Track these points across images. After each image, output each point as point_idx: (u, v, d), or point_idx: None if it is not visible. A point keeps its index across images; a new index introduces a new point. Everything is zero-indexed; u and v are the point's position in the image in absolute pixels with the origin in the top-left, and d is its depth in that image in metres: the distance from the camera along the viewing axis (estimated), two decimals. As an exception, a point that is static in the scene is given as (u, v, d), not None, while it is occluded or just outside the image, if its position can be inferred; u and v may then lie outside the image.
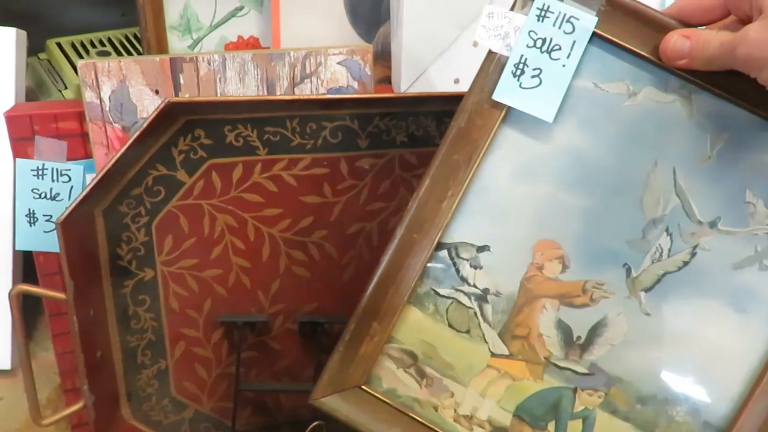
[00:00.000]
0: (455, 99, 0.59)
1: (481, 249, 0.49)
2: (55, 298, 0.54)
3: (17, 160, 0.57)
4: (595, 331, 0.49)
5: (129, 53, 0.81)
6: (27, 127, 0.56)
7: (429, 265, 0.49)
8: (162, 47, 0.63)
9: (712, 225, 0.47)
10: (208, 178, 0.56)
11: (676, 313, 0.48)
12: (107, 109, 0.56)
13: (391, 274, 0.49)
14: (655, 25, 0.43)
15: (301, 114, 0.57)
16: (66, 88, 0.75)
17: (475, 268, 0.49)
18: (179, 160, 0.55)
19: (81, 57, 0.80)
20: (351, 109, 0.57)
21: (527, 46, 0.44)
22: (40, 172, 0.57)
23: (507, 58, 0.44)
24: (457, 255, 0.49)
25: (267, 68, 0.59)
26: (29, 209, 0.58)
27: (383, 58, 0.66)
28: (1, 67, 0.67)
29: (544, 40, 0.44)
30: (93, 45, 0.83)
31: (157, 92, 0.57)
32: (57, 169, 0.58)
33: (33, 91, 0.80)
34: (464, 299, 0.49)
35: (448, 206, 0.47)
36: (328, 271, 0.61)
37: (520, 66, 0.44)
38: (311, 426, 0.60)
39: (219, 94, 0.59)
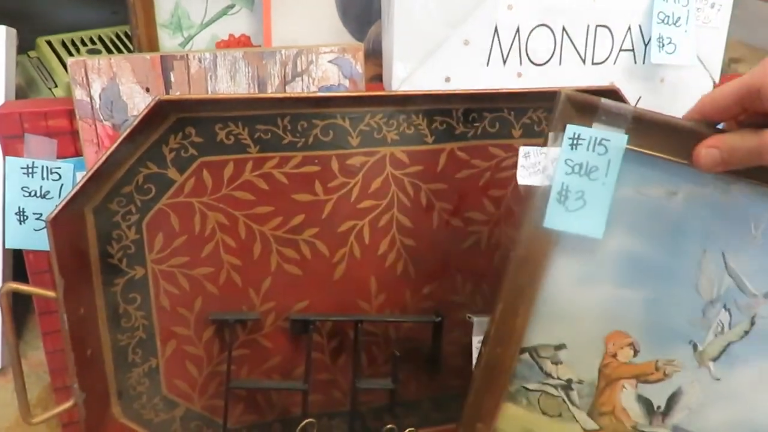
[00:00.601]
0: (446, 98, 0.60)
1: (558, 347, 0.54)
2: (45, 296, 0.54)
3: (7, 158, 0.57)
4: (673, 400, 0.54)
5: (120, 51, 0.81)
6: (17, 124, 0.56)
7: (515, 367, 0.54)
8: (153, 45, 0.63)
9: (766, 295, 0.51)
10: (198, 176, 0.56)
11: (744, 375, 0.53)
12: (97, 106, 0.56)
13: (483, 384, 0.54)
14: (682, 133, 0.47)
15: (292, 112, 0.57)
16: (56, 86, 0.75)
17: (556, 363, 0.54)
18: (170, 158, 0.55)
19: (71, 55, 0.79)
20: (342, 107, 0.58)
21: (566, 173, 0.47)
22: (30, 171, 0.57)
23: (550, 187, 0.48)
24: (538, 355, 0.54)
25: (258, 66, 0.59)
26: (19, 207, 0.58)
27: (374, 56, 0.66)
28: (-10, 65, 0.67)
29: (581, 165, 0.47)
30: (83, 43, 0.83)
31: (147, 90, 0.57)
32: (47, 167, 0.57)
33: (23, 89, 0.79)
34: (551, 390, 0.55)
35: (523, 320, 0.53)
36: (320, 269, 0.61)
37: (563, 193, 0.48)
38: (302, 423, 0.61)
39: (210, 93, 0.59)
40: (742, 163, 0.45)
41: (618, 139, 0.47)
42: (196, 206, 0.57)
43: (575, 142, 0.47)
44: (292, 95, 0.58)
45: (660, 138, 0.47)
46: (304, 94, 0.59)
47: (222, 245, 0.59)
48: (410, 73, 0.60)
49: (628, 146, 0.47)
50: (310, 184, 0.59)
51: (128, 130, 0.50)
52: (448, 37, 0.61)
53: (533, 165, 0.49)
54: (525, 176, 0.49)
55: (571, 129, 0.47)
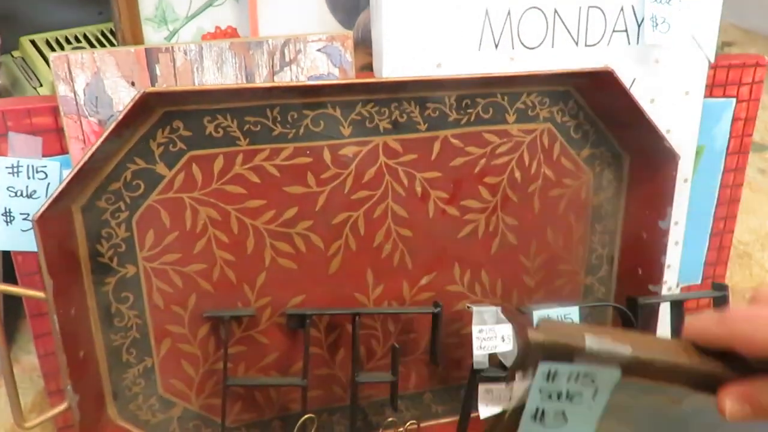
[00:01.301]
0: (438, 84, 0.59)
1: None
2: (34, 297, 0.53)
3: (-9, 158, 0.55)
4: None
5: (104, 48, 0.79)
6: (0, 123, 0.55)
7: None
8: (137, 39, 0.61)
9: None
10: (188, 170, 0.55)
11: None
12: (82, 102, 0.55)
13: None
14: (683, 371, 0.38)
15: (281, 102, 0.56)
16: (41, 85, 0.74)
17: None
18: (158, 152, 0.54)
19: (55, 53, 0.78)
20: (332, 97, 0.56)
21: (541, 400, 0.39)
22: (15, 170, 0.56)
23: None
24: None
25: (245, 57, 0.58)
26: (5, 208, 0.57)
27: (364, 44, 0.65)
28: (-28, 64, 0.65)
29: (560, 394, 0.38)
30: (68, 41, 0.81)
31: (133, 84, 0.56)
32: (32, 166, 0.56)
33: (7, 90, 0.78)
34: None
35: None
36: (315, 262, 0.60)
37: (539, 414, 0.39)
38: (302, 419, 0.59)
39: (197, 85, 0.57)
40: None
41: (608, 374, 0.37)
42: (186, 201, 0.56)
43: (551, 377, 0.37)
44: (281, 84, 0.57)
45: (663, 373, 0.39)
46: (293, 83, 0.58)
47: (214, 241, 0.57)
48: (401, 60, 0.59)
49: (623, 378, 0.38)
50: (302, 176, 0.58)
51: (113, 125, 0.49)
52: (438, 23, 0.60)
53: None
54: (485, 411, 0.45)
55: (546, 366, 0.37)
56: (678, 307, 0.64)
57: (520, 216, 0.65)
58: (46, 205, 0.48)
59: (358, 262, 0.61)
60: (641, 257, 0.67)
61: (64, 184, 0.49)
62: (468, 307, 0.61)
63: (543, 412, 0.40)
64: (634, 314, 0.63)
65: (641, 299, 0.63)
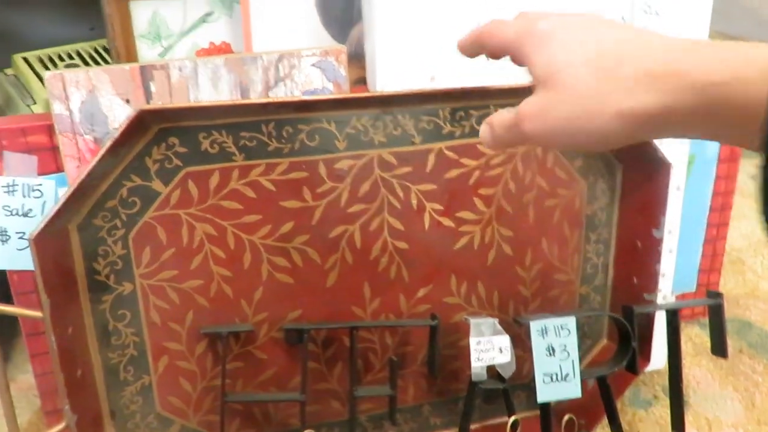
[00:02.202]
0: (432, 96, 0.59)
1: None
2: (31, 317, 0.53)
3: (-14, 177, 0.55)
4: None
5: (99, 66, 0.79)
6: (-5, 142, 0.55)
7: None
8: (131, 56, 0.62)
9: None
10: (184, 186, 0.55)
11: None
12: (77, 120, 0.55)
13: None
14: None
15: (276, 118, 0.56)
16: (35, 103, 0.74)
17: None
18: (154, 169, 0.54)
19: (49, 71, 0.78)
20: (327, 111, 0.57)
21: None
22: (11, 189, 0.56)
23: None
24: None
25: (240, 73, 0.58)
26: (1, 227, 0.57)
27: (357, 59, 0.65)
28: (-35, 83, 0.65)
29: None
30: (61, 58, 0.81)
31: (128, 101, 0.56)
32: (28, 185, 0.56)
33: (0, 108, 0.78)
34: None
35: None
36: (312, 276, 0.60)
37: None
38: (301, 435, 0.59)
39: (192, 101, 0.58)
40: (510, 145, 0.41)
41: None
42: (182, 218, 0.56)
43: None
44: (275, 100, 0.57)
45: None
46: (287, 99, 0.58)
47: (211, 257, 0.57)
48: (394, 73, 0.60)
49: None
50: (298, 191, 0.58)
51: (110, 143, 0.49)
52: (431, 36, 0.60)
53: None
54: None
55: None
56: (673, 316, 0.65)
57: (515, 227, 0.65)
58: (42, 225, 0.48)
59: (354, 275, 0.61)
60: (636, 266, 0.67)
61: (60, 203, 0.49)
62: (465, 319, 0.61)
63: None
64: (630, 323, 0.63)
65: (637, 308, 0.63)
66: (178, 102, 0.57)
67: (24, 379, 0.76)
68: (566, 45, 0.37)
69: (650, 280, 0.66)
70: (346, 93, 0.60)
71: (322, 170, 0.58)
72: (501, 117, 0.40)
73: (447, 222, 0.63)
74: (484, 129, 0.42)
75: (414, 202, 0.61)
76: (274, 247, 0.59)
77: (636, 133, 0.36)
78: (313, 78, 0.60)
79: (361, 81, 0.66)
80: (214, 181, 0.56)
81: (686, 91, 0.34)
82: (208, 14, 0.65)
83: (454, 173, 0.62)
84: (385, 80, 0.60)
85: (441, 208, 0.62)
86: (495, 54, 0.41)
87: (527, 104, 0.38)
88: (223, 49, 0.66)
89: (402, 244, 0.62)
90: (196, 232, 0.56)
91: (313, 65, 0.60)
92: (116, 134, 0.49)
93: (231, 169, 0.56)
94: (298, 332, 0.60)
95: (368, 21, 0.59)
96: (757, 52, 0.32)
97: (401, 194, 0.61)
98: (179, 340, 0.59)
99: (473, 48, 0.43)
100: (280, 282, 0.60)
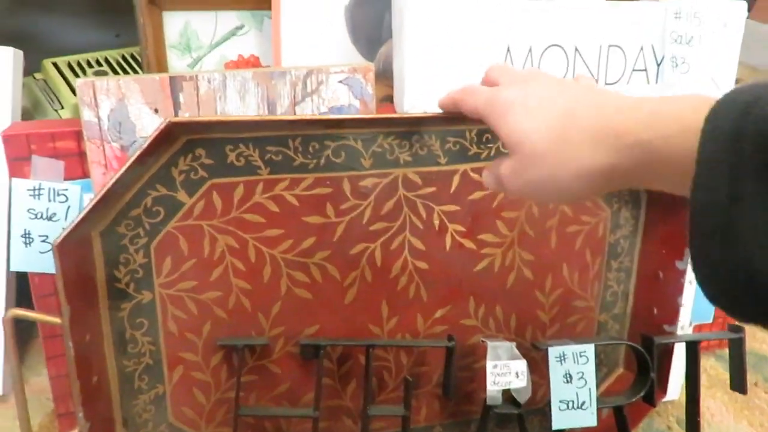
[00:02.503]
0: (459, 118, 0.59)
1: None
2: (50, 323, 0.53)
3: (13, 180, 0.56)
4: None
5: (126, 73, 0.80)
6: (24, 146, 0.55)
7: None
8: (162, 66, 0.62)
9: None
10: (208, 198, 0.55)
11: None
12: (105, 128, 0.55)
13: None
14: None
15: (303, 133, 0.56)
16: (62, 108, 0.74)
17: None
18: (179, 180, 0.54)
19: (77, 77, 0.79)
20: (354, 129, 0.57)
21: None
22: (37, 192, 0.56)
23: None
24: None
25: (268, 87, 0.59)
26: (25, 230, 0.57)
27: (385, 76, 0.66)
28: (-3, 86, 0.66)
29: None
30: (90, 65, 0.82)
31: (156, 111, 0.56)
32: (54, 189, 0.56)
33: (28, 111, 0.79)
34: None
35: None
36: (331, 292, 0.60)
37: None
38: (313, 452, 0.59)
39: (219, 113, 0.58)
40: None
41: None
42: (205, 229, 0.56)
43: None
44: (304, 118, 0.57)
45: None
46: (316, 117, 0.58)
47: (231, 269, 0.57)
48: (422, 93, 0.60)
49: None
50: (321, 206, 0.58)
51: (138, 153, 0.49)
52: (460, 58, 0.60)
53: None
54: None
55: None
56: (693, 348, 0.64)
57: (537, 251, 0.65)
58: (67, 231, 0.48)
59: (373, 293, 0.61)
60: (657, 296, 0.67)
61: (86, 210, 0.49)
62: (482, 341, 0.60)
63: None
64: (649, 353, 0.62)
65: (657, 339, 0.62)
66: (206, 114, 0.57)
67: (37, 382, 0.76)
68: (528, 113, 0.40)
69: (671, 312, 0.65)
70: (372, 112, 0.60)
71: (347, 187, 0.58)
72: (492, 171, 0.45)
73: (468, 244, 0.62)
74: (485, 175, 0.47)
75: (436, 222, 0.61)
76: (295, 261, 0.59)
77: (596, 188, 0.39)
78: (339, 94, 0.60)
79: (387, 99, 0.67)
80: (239, 193, 0.56)
81: (624, 150, 0.36)
82: (239, 27, 0.65)
83: (477, 195, 0.62)
84: (413, 99, 0.60)
85: (463, 229, 0.62)
86: (470, 116, 0.46)
87: (504, 167, 0.43)
88: (252, 62, 0.66)
89: (422, 264, 0.62)
90: (217, 244, 0.56)
91: (341, 82, 0.60)
92: (145, 144, 0.49)
93: (256, 182, 0.56)
94: (315, 348, 0.59)
95: (398, 41, 0.59)
96: (685, 105, 0.34)
97: (424, 214, 0.61)
98: (195, 350, 0.59)
99: (452, 109, 0.48)
100: (298, 297, 0.59)
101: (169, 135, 0.51)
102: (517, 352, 0.59)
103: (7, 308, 0.71)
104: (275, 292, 0.59)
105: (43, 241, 0.58)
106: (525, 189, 0.42)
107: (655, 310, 0.67)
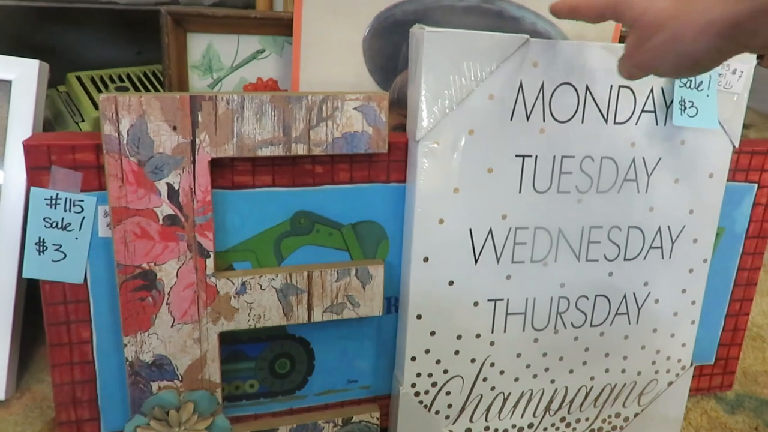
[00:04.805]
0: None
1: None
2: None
3: (32, 188, 0.57)
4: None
5: (146, 90, 0.82)
6: (44, 156, 0.57)
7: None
8: (183, 85, 0.64)
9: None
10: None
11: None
12: (124, 142, 0.57)
13: None
14: None
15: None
16: (83, 120, 0.76)
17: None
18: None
19: (100, 91, 0.81)
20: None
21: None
22: (54, 202, 0.58)
23: None
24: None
25: (284, 110, 0.60)
26: (39, 238, 0.58)
27: (399, 105, 0.67)
28: (23, 97, 0.68)
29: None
30: (112, 80, 0.84)
31: (174, 128, 0.58)
32: (70, 200, 0.58)
33: (50, 122, 0.81)
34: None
35: None
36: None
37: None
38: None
39: (235, 134, 0.59)
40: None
41: None
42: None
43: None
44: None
45: None
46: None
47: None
48: (435, 124, 0.61)
49: None
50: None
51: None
52: (473, 91, 0.61)
53: None
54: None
55: None
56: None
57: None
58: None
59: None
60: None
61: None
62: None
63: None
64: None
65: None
66: (222, 133, 0.58)
67: (39, 389, 0.77)
68: None
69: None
70: (384, 139, 0.62)
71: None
72: (623, 53, 0.49)
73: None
74: (618, 65, 0.51)
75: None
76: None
77: (719, 47, 0.41)
78: (354, 121, 0.62)
79: (399, 127, 0.68)
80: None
81: None
82: (260, 51, 0.67)
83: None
84: (424, 130, 0.61)
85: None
86: (591, 20, 0.50)
87: (627, 44, 0.47)
88: (270, 85, 0.68)
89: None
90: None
91: (355, 109, 0.62)
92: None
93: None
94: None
95: (413, 71, 0.61)
96: None
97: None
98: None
99: (567, 15, 0.52)
100: None
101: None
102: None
103: (15, 314, 0.72)
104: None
105: (57, 249, 0.59)
106: (648, 59, 0.45)
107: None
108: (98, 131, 0.57)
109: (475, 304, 0.66)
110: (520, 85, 0.62)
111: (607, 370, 0.73)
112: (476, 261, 0.65)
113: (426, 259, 0.63)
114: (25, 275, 0.59)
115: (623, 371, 0.74)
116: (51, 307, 0.61)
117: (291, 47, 0.66)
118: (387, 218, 0.65)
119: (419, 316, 0.64)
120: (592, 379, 0.73)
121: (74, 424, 0.65)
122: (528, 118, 0.63)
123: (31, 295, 0.74)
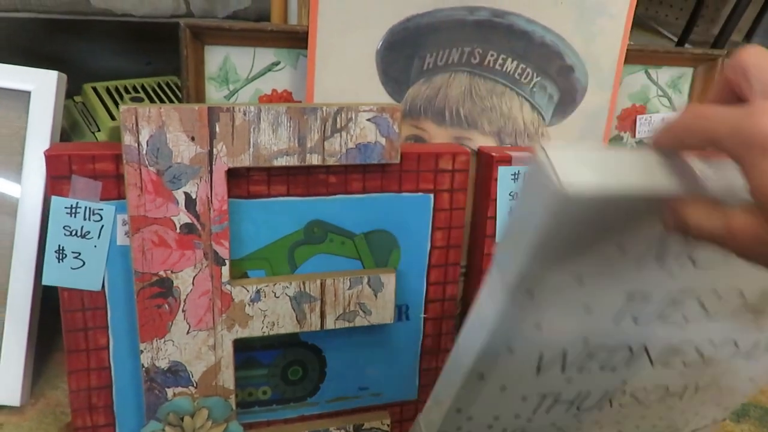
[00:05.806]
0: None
1: None
2: None
3: (52, 197, 0.58)
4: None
5: (161, 100, 0.83)
6: (65, 166, 0.58)
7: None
8: (200, 96, 0.65)
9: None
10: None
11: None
12: (144, 152, 0.58)
13: None
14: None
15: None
16: (99, 130, 0.77)
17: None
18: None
19: (115, 101, 0.82)
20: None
21: None
22: (74, 210, 0.59)
23: None
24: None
25: (300, 121, 0.61)
26: (59, 246, 0.59)
27: (411, 116, 0.68)
28: (42, 108, 0.69)
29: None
30: (127, 91, 0.86)
31: (192, 139, 0.59)
32: (90, 208, 0.59)
33: (66, 132, 0.82)
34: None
35: None
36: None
37: None
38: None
39: (252, 144, 0.60)
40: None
41: None
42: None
43: None
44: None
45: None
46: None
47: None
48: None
49: None
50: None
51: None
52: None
53: None
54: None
55: None
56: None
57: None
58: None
59: None
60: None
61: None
62: None
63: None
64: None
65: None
66: (239, 144, 0.59)
67: (53, 396, 0.78)
68: None
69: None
70: (397, 149, 0.63)
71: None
72: (707, 212, 0.33)
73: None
74: (701, 216, 0.34)
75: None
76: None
77: None
78: (367, 132, 0.63)
79: (412, 138, 0.69)
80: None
81: None
82: (275, 63, 0.69)
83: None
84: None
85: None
86: (699, 149, 0.34)
87: (742, 221, 0.32)
88: (285, 97, 0.69)
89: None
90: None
91: (369, 120, 0.63)
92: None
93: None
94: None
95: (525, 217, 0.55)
96: None
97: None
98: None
99: (673, 145, 0.35)
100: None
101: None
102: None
103: (31, 321, 0.73)
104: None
105: (76, 257, 0.60)
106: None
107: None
108: (115, 141, 0.58)
109: (524, 399, 0.56)
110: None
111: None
112: (538, 372, 0.54)
113: (481, 376, 0.52)
114: (44, 282, 0.60)
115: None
116: (69, 314, 0.62)
117: (305, 60, 0.67)
118: (398, 228, 0.66)
119: (459, 410, 0.55)
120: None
121: (90, 430, 0.66)
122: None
123: (43, 303, 0.75)
